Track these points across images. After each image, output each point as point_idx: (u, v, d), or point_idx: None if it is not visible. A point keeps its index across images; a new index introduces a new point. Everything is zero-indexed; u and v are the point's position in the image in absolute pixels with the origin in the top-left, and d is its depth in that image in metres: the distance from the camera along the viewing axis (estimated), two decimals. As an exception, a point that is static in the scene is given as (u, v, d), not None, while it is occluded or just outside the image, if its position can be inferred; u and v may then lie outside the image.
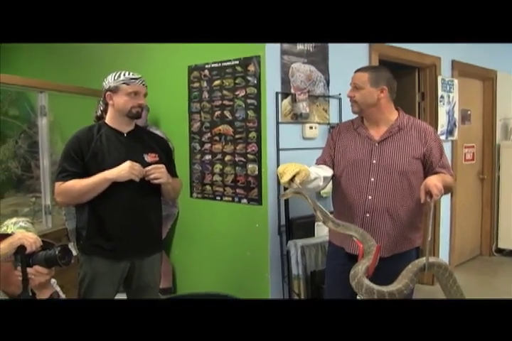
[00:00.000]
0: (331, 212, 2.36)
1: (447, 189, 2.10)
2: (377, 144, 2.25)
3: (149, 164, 2.25)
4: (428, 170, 2.23)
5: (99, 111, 2.36)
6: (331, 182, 2.39)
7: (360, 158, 2.25)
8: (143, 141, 2.33)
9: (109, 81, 2.25)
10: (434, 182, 1.97)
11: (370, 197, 2.21)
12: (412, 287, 1.48)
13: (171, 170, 2.38)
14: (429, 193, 1.95)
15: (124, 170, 2.14)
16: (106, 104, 2.31)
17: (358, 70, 2.29)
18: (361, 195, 2.23)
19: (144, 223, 2.29)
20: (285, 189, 2.87)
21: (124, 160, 2.17)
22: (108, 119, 2.31)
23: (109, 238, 2.23)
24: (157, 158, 2.31)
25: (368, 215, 2.22)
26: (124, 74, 2.24)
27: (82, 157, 2.21)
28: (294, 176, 1.99)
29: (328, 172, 2.30)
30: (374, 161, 2.23)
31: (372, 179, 2.22)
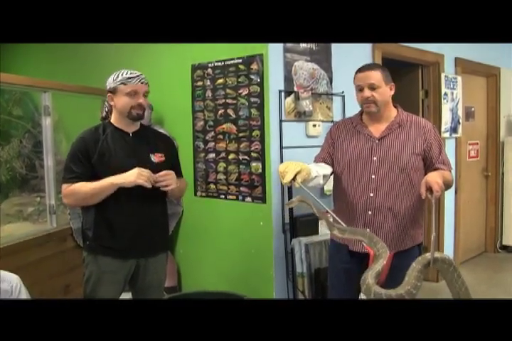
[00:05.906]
0: (333, 210, 2.35)
1: (447, 185, 2.13)
2: (377, 141, 2.25)
3: (156, 164, 2.24)
4: (428, 166, 2.24)
5: (105, 112, 2.34)
6: (332, 179, 2.39)
7: (360, 156, 2.25)
8: (149, 141, 2.32)
9: (110, 82, 2.22)
10: (435, 179, 1.97)
11: (371, 195, 2.21)
12: (420, 285, 1.47)
13: (177, 170, 2.37)
14: (429, 190, 1.96)
15: (132, 175, 2.10)
16: (110, 105, 2.29)
17: (366, 69, 2.21)
18: (363, 192, 2.23)
19: (150, 223, 2.28)
20: (289, 188, 2.90)
21: (130, 161, 2.17)
22: (113, 120, 2.29)
23: (116, 238, 2.23)
24: (163, 158, 2.30)
25: (370, 213, 2.22)
26: (122, 74, 2.20)
27: (88, 158, 2.19)
28: (295, 175, 1.98)
29: (327, 170, 2.30)
30: (374, 158, 2.23)
31: (373, 176, 2.22)
